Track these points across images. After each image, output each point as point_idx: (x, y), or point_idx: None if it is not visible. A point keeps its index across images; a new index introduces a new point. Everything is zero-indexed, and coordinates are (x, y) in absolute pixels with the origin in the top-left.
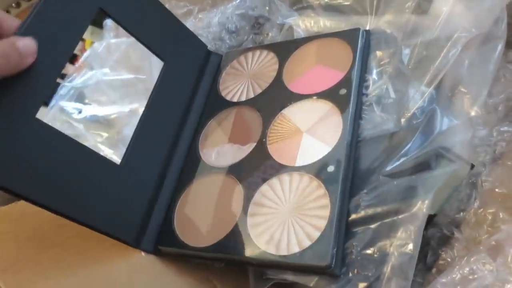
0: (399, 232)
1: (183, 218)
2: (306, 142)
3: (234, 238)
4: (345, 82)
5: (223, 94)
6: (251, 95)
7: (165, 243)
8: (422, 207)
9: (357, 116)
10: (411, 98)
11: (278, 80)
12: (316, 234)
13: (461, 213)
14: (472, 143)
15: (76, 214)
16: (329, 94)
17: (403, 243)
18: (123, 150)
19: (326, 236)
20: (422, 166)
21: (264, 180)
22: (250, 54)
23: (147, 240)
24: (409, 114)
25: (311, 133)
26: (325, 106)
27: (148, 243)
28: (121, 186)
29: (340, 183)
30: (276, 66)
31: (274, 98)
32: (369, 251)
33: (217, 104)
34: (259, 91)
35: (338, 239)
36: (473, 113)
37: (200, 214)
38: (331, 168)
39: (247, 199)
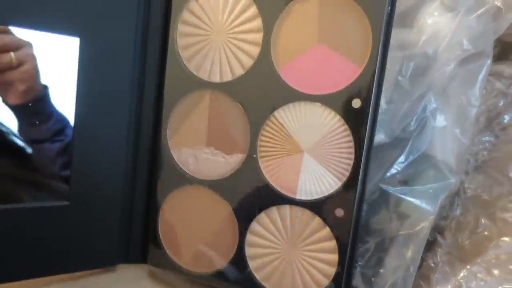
0: (399, 249)
1: (170, 236)
2: (309, 167)
3: (233, 269)
4: (361, 86)
5: (186, 62)
6: (228, 76)
7: (156, 263)
8: (425, 225)
9: (373, 139)
10: (404, 110)
11: (264, 56)
12: (325, 282)
13: (444, 219)
14: (460, 153)
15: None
16: (337, 103)
17: (403, 262)
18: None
19: (336, 281)
20: (413, 176)
21: (261, 210)
22: None
23: (133, 257)
24: (401, 126)
25: (314, 155)
26: (332, 119)
27: (135, 258)
28: (82, 224)
29: (351, 231)
30: (259, 27)
31: (262, 89)
32: (369, 269)
33: (178, 79)
34: (239, 70)
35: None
36: (463, 125)
37: (189, 234)
38: (340, 212)
39: (244, 226)
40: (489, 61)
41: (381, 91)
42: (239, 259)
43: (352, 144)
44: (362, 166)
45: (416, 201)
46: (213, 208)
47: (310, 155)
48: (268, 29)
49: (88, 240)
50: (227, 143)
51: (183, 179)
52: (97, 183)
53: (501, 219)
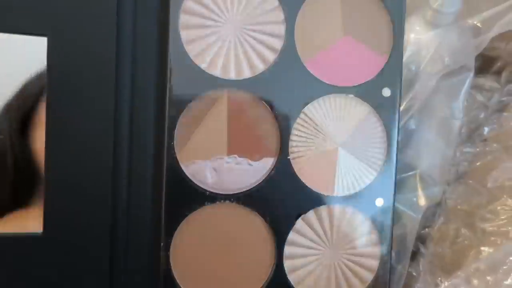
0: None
1: (188, 270)
2: (344, 161)
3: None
4: (388, 75)
5: (193, 58)
6: (246, 72)
7: None
8: (410, 232)
9: (399, 126)
10: None
11: (288, 50)
12: (369, 277)
13: (426, 229)
14: (444, 165)
15: None
16: (368, 93)
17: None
18: None
19: (380, 278)
20: (398, 185)
21: (298, 216)
22: None
23: None
24: None
25: (348, 149)
26: (363, 110)
27: None
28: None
29: (390, 219)
30: (281, 18)
31: (289, 85)
32: None
33: (185, 79)
34: (260, 66)
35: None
36: (447, 137)
37: (214, 262)
38: (380, 202)
39: (279, 239)
40: (471, 75)
41: (402, 78)
42: (278, 276)
43: (384, 133)
44: (395, 152)
45: (401, 208)
46: (242, 225)
47: (344, 149)
48: (290, 21)
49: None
50: (252, 148)
51: (201, 197)
52: (76, 215)
53: (481, 229)
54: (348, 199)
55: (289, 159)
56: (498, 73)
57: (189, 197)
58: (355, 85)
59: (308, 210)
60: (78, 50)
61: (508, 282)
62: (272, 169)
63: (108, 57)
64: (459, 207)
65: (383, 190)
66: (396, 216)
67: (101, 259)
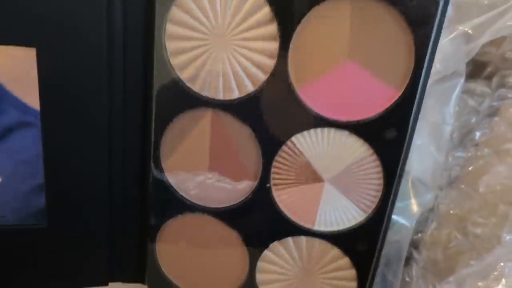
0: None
1: (172, 265)
2: (330, 197)
3: None
4: (398, 114)
5: (178, 72)
6: (234, 92)
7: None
8: (403, 241)
9: (403, 171)
10: None
11: (280, 71)
12: None
13: (419, 234)
14: (435, 170)
15: None
16: (368, 133)
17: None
18: None
19: None
20: None
21: (274, 239)
22: None
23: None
24: None
25: (336, 185)
26: (360, 149)
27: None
28: (61, 248)
29: (373, 263)
30: (274, 34)
31: (277, 111)
32: None
33: (170, 93)
34: (248, 87)
35: None
36: (439, 143)
37: (192, 263)
38: (363, 246)
39: (254, 255)
40: (462, 80)
41: (417, 119)
42: (249, 287)
43: (381, 175)
44: (391, 198)
45: (393, 217)
46: (219, 237)
47: (332, 185)
48: (285, 38)
49: (73, 261)
50: (234, 169)
51: (182, 206)
52: (78, 206)
53: (473, 234)
54: (328, 235)
55: (268, 186)
56: (489, 78)
57: (172, 203)
58: (352, 120)
59: (285, 237)
60: (68, 61)
61: None
62: (250, 194)
63: (98, 67)
64: (451, 212)
65: (369, 234)
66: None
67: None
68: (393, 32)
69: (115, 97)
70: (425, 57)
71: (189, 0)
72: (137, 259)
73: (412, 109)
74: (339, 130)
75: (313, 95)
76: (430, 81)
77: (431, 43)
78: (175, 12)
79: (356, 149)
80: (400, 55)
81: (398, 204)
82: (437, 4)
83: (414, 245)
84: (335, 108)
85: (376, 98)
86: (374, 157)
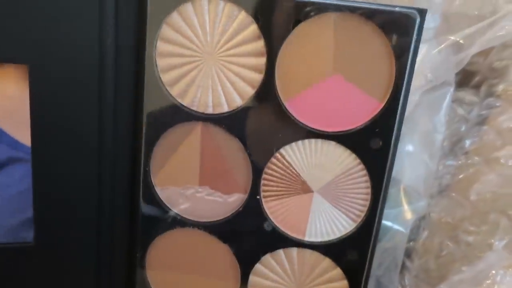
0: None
1: (162, 283)
2: (319, 207)
3: None
4: (381, 124)
5: (168, 88)
6: (223, 107)
7: None
8: (398, 247)
9: (390, 179)
10: None
11: (268, 87)
12: None
13: (411, 242)
14: (428, 178)
15: None
16: (354, 143)
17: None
18: None
19: None
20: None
21: (265, 252)
22: (206, 6)
23: None
24: None
25: (325, 195)
26: (347, 159)
27: None
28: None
29: (364, 272)
30: (262, 50)
31: (265, 124)
32: None
33: (160, 108)
34: (237, 101)
35: None
36: (430, 151)
37: (183, 280)
38: (353, 255)
39: (246, 269)
40: (452, 89)
41: (401, 129)
42: None
43: (368, 184)
44: (379, 207)
45: (388, 223)
46: (210, 252)
47: (321, 196)
48: (272, 53)
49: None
50: (224, 182)
51: (173, 220)
52: (65, 228)
53: (465, 242)
54: (319, 246)
55: (258, 198)
56: (477, 87)
57: (162, 218)
58: (338, 131)
59: (276, 249)
60: (59, 78)
61: None
62: (241, 206)
63: (89, 85)
64: (443, 220)
65: (359, 243)
66: (383, 231)
67: (87, 267)
68: (374, 46)
69: (106, 113)
70: (405, 70)
71: (179, 18)
72: (125, 279)
73: (395, 119)
74: (327, 141)
75: (300, 108)
76: (421, 91)
77: (410, 56)
78: (165, 30)
79: (343, 160)
80: (382, 68)
81: (392, 211)
82: (415, 19)
83: (407, 253)
84: (321, 119)
85: (360, 109)
86: (361, 166)
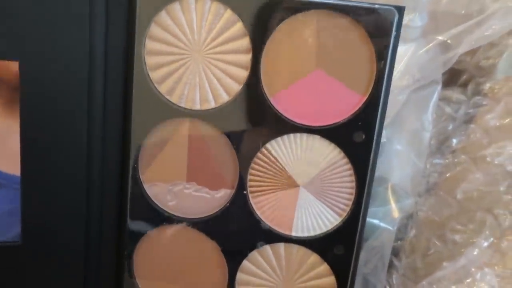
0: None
1: (149, 282)
2: (305, 202)
3: None
4: (364, 118)
5: (156, 85)
6: (210, 103)
7: None
8: (386, 245)
9: (374, 173)
10: None
11: (253, 82)
12: None
13: (399, 241)
14: (415, 177)
15: None
16: (338, 136)
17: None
18: None
19: None
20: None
21: (252, 248)
22: (193, 5)
23: None
24: None
25: (311, 190)
26: (332, 153)
27: None
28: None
29: (351, 267)
30: (247, 47)
31: (251, 119)
32: None
33: (148, 105)
34: (223, 97)
35: None
36: (418, 149)
37: (170, 278)
38: (340, 249)
39: (233, 266)
40: (439, 87)
41: (383, 122)
42: None
43: (353, 178)
44: (364, 200)
45: (375, 222)
46: (197, 248)
47: (306, 190)
48: (257, 50)
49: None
50: (211, 178)
51: (160, 217)
52: (52, 225)
53: (451, 240)
54: (306, 241)
55: (245, 193)
56: (465, 85)
57: (150, 215)
58: (322, 125)
59: (263, 245)
60: (50, 74)
61: None
62: (228, 202)
63: (79, 82)
64: (430, 218)
65: (345, 237)
66: (370, 229)
67: (75, 264)
68: (355, 42)
69: (95, 110)
70: (385, 65)
71: (167, 17)
72: (113, 278)
73: (377, 112)
74: (311, 135)
75: (285, 103)
76: (408, 90)
77: (390, 52)
78: (154, 29)
79: (328, 154)
80: (363, 64)
81: (379, 209)
82: (393, 16)
83: (394, 252)
84: (306, 114)
85: (344, 104)
86: (346, 160)
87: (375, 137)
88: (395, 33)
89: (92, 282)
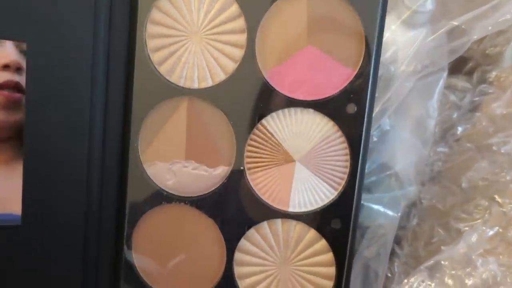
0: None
1: (147, 261)
2: (301, 177)
3: None
4: (355, 91)
5: (157, 66)
6: (208, 81)
7: None
8: (389, 231)
9: (368, 145)
10: None
11: (249, 60)
12: None
13: (401, 229)
14: (419, 164)
15: None
16: (331, 109)
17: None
18: None
19: None
20: (375, 184)
21: (250, 226)
22: None
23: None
24: None
25: (307, 164)
26: (326, 126)
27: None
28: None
29: (349, 242)
30: (242, 27)
31: (247, 96)
32: None
33: (149, 85)
34: (220, 75)
35: None
36: (423, 136)
37: (170, 257)
38: (337, 223)
39: (231, 245)
40: (445, 75)
41: (374, 95)
42: (227, 280)
43: (347, 151)
44: (359, 173)
45: (379, 207)
46: (196, 227)
47: (302, 165)
48: (252, 30)
49: (47, 264)
50: (209, 155)
51: (159, 197)
52: (54, 201)
53: (455, 228)
54: (303, 216)
55: (242, 169)
56: (470, 73)
57: (149, 195)
58: (316, 99)
59: (261, 221)
60: (55, 55)
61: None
62: (226, 178)
63: (83, 64)
64: (434, 207)
65: (341, 211)
66: (374, 215)
67: (74, 246)
68: (345, 17)
69: (98, 90)
70: (373, 39)
71: (167, 2)
72: (113, 258)
73: (368, 85)
74: (305, 109)
75: (279, 79)
76: (415, 77)
77: (377, 25)
78: (155, 13)
79: (322, 127)
80: (353, 38)
81: (383, 195)
82: None
83: (397, 240)
84: (300, 89)
85: (335, 78)
86: (339, 133)
87: (367, 109)
88: (381, 6)
89: (91, 262)
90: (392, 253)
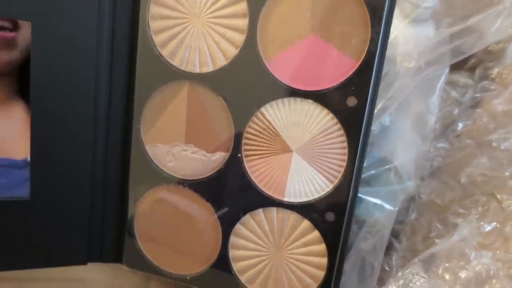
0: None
1: (147, 236)
2: (298, 167)
3: (216, 272)
4: (357, 83)
5: (159, 48)
6: (209, 66)
7: (132, 264)
8: (386, 225)
9: (367, 140)
10: None
11: (250, 46)
12: (313, 286)
13: (400, 224)
14: (419, 159)
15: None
16: (331, 101)
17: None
18: None
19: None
20: (374, 178)
21: (245, 212)
22: None
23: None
24: None
25: (304, 155)
26: (325, 118)
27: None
28: (43, 222)
29: (342, 235)
30: (244, 12)
31: (247, 83)
32: None
33: (151, 67)
34: (221, 61)
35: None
36: (423, 132)
37: (168, 235)
38: (330, 216)
39: (227, 228)
40: (446, 71)
41: (378, 89)
42: (222, 262)
43: (345, 144)
44: (356, 168)
45: (377, 201)
46: (193, 209)
47: (299, 155)
48: (254, 15)
49: (54, 236)
50: (208, 140)
51: (159, 177)
52: (61, 179)
53: (453, 223)
54: (298, 206)
55: (239, 156)
56: (472, 69)
57: (149, 175)
58: (316, 90)
59: (256, 208)
60: (60, 36)
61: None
62: (224, 164)
63: (88, 44)
64: (432, 202)
65: (336, 204)
66: (372, 208)
67: (81, 220)
68: (350, 7)
69: (102, 71)
70: (380, 30)
71: None
72: (115, 239)
73: (370, 78)
74: (305, 100)
75: (280, 67)
76: (420, 74)
77: (385, 15)
78: None
79: (321, 119)
80: (358, 29)
81: (381, 188)
82: None
83: (395, 234)
84: (301, 78)
85: (337, 68)
86: (338, 126)
87: (368, 103)
88: (388, 6)
89: (96, 238)
90: (390, 247)
